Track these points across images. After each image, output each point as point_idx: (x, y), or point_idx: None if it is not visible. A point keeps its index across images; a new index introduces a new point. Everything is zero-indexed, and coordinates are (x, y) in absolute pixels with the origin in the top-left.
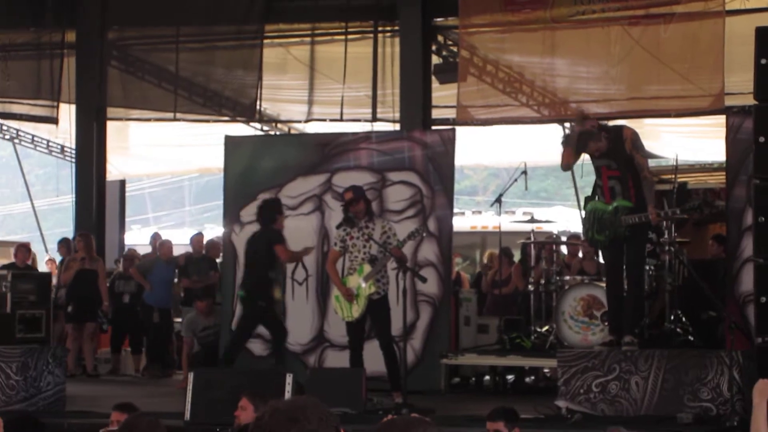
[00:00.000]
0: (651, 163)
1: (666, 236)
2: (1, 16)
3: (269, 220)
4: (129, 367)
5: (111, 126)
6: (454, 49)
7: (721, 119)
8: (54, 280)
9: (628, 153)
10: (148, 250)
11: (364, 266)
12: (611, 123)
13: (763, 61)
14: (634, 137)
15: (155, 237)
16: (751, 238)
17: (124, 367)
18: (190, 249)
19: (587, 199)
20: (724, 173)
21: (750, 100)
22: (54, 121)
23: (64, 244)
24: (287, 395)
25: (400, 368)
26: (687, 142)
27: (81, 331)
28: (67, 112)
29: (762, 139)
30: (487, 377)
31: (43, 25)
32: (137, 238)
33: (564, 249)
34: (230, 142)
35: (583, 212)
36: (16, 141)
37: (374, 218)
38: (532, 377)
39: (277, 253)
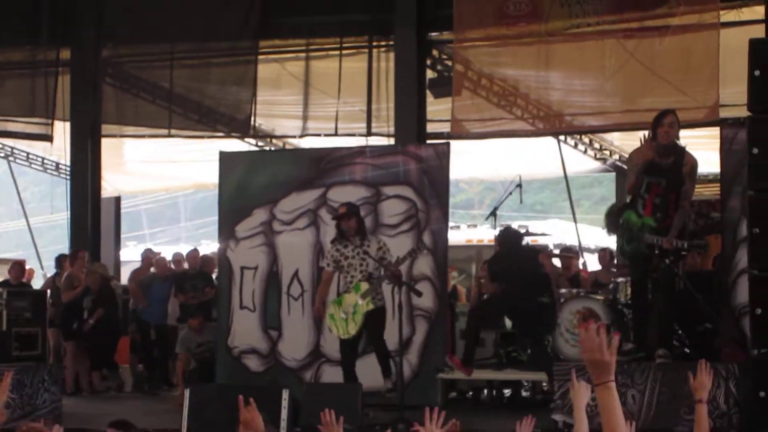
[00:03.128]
0: None
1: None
2: None
3: None
4: (128, 385)
5: (106, 143)
6: (449, 63)
7: (716, 131)
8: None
9: (682, 177)
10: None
11: (361, 284)
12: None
13: (757, 73)
14: (694, 165)
15: (148, 253)
16: (746, 249)
17: (121, 385)
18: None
19: (624, 208)
20: (718, 185)
21: (744, 112)
22: (49, 138)
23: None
24: (284, 411)
25: (397, 381)
26: None
27: (80, 349)
28: (62, 130)
29: (756, 151)
30: (485, 391)
31: (38, 43)
32: (133, 254)
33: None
34: (225, 158)
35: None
36: (11, 158)
37: (368, 236)
38: (529, 391)
39: None
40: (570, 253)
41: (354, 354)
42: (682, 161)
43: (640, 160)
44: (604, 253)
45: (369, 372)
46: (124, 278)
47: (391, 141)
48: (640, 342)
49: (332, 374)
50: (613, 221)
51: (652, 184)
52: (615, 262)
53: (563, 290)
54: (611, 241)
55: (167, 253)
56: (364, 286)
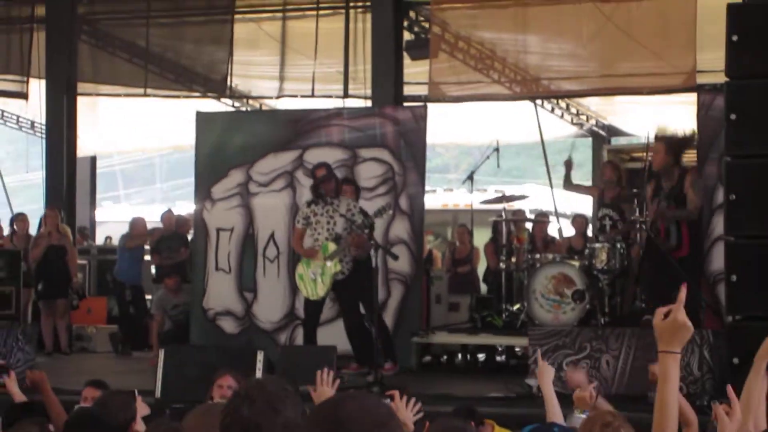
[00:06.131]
0: (622, 140)
1: (637, 215)
2: None
3: None
4: (99, 345)
5: (81, 102)
6: (426, 25)
7: (693, 97)
8: None
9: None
10: (121, 226)
11: (328, 245)
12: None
13: (735, 38)
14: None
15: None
16: (722, 216)
17: (94, 345)
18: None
19: None
20: (695, 151)
21: (721, 78)
22: (24, 96)
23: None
24: (258, 373)
25: (375, 345)
26: (659, 120)
27: (53, 308)
28: (38, 87)
29: (733, 117)
30: (459, 355)
31: None
32: (108, 214)
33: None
34: (201, 119)
35: None
36: None
37: (339, 196)
38: (503, 356)
39: None
40: (543, 218)
41: (317, 316)
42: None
43: None
44: (579, 219)
45: (343, 335)
46: (100, 239)
47: (368, 103)
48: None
49: None
50: None
51: None
52: (590, 228)
53: (538, 255)
54: (587, 207)
55: (142, 213)
56: (332, 246)
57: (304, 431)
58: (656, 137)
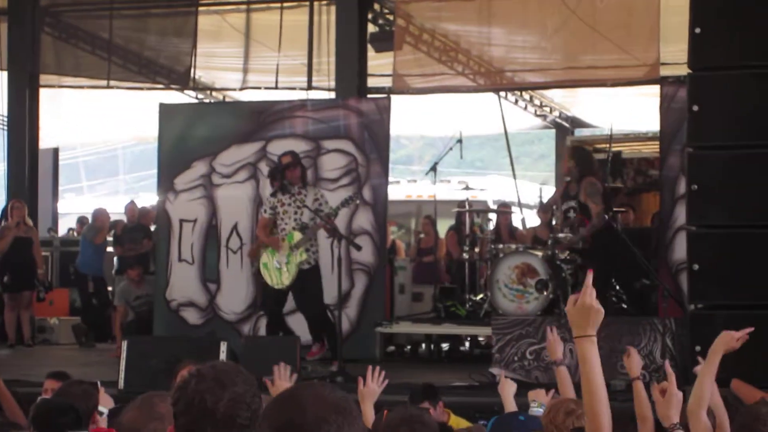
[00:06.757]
0: (585, 132)
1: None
2: None
3: None
4: (62, 337)
5: (44, 93)
6: (390, 17)
7: (656, 89)
8: None
9: None
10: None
11: (294, 234)
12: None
13: (698, 30)
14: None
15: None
16: (684, 206)
17: (57, 337)
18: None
19: None
20: (658, 142)
21: (685, 71)
22: None
23: None
24: None
25: (338, 337)
26: (622, 112)
27: (18, 301)
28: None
29: (695, 108)
30: (423, 345)
31: None
32: (70, 206)
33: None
34: (165, 110)
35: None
36: None
37: (307, 186)
38: (467, 345)
39: None
40: (506, 209)
41: (281, 305)
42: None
43: None
44: (544, 210)
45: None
46: (62, 230)
47: (332, 95)
48: None
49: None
50: None
51: None
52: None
53: (501, 245)
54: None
55: (105, 205)
56: (297, 236)
57: (263, 419)
58: (573, 145)
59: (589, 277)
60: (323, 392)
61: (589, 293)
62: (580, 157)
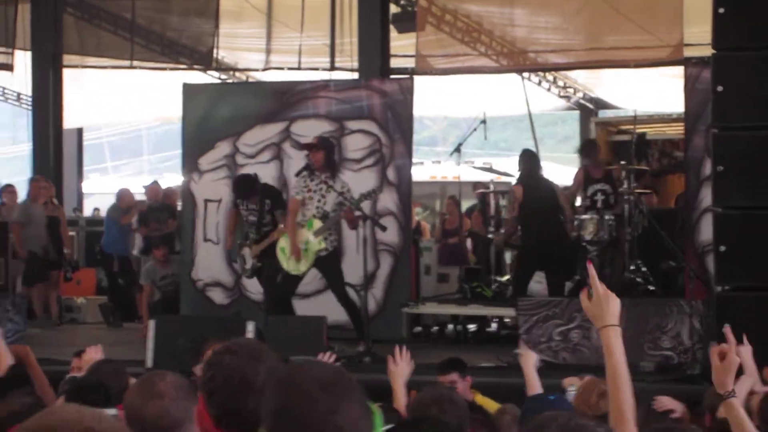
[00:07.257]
0: (609, 113)
1: (625, 186)
2: None
3: None
4: (89, 316)
5: (67, 74)
6: None
7: (680, 70)
8: None
9: None
10: (108, 198)
11: (314, 221)
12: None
13: (721, 10)
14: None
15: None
16: (710, 187)
17: (84, 316)
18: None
19: None
20: (682, 123)
21: (708, 52)
22: (9, 68)
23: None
24: None
25: (363, 317)
26: (646, 93)
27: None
28: (23, 59)
29: (720, 89)
30: (449, 326)
31: None
32: (95, 186)
33: None
34: (188, 90)
35: None
36: None
37: (337, 175)
38: (494, 326)
39: None
40: None
41: (294, 289)
42: None
43: None
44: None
45: (334, 305)
46: (88, 210)
47: (355, 75)
48: None
49: (298, 307)
50: None
51: None
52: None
53: None
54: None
55: (130, 185)
56: (317, 223)
57: (263, 404)
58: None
59: (592, 269)
60: (316, 367)
61: (598, 284)
62: (584, 149)
